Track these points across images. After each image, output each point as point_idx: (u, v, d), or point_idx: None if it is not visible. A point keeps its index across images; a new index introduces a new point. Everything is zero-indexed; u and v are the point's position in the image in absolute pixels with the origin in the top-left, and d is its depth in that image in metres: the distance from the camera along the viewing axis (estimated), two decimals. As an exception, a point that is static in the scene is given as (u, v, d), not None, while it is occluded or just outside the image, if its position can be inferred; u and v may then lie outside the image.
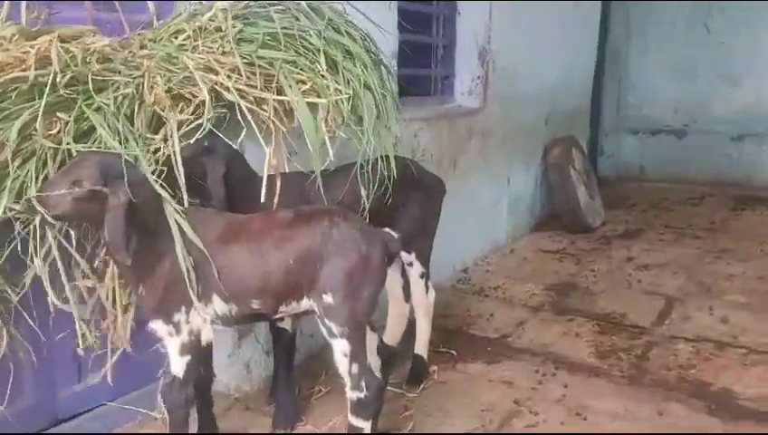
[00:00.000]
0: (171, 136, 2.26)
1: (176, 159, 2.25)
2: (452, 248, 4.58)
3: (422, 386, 3.22)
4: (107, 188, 2.01)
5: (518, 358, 3.60)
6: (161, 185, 2.20)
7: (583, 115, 7.47)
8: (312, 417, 2.95)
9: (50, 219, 2.02)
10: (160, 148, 2.29)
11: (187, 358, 2.29)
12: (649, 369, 3.48)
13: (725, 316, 4.16)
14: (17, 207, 2.05)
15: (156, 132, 2.32)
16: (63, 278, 2.22)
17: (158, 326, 2.25)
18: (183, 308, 2.23)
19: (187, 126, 2.34)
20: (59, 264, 2.21)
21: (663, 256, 5.46)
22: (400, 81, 3.84)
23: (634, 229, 6.33)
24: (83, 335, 2.30)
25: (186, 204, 2.25)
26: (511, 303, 4.43)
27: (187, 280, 2.15)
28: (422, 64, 4.86)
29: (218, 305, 2.27)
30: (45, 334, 2.39)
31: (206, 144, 2.44)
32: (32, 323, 2.28)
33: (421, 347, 3.28)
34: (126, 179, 2.03)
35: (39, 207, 1.97)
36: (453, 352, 3.61)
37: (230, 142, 2.49)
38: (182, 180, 2.26)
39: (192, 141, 2.35)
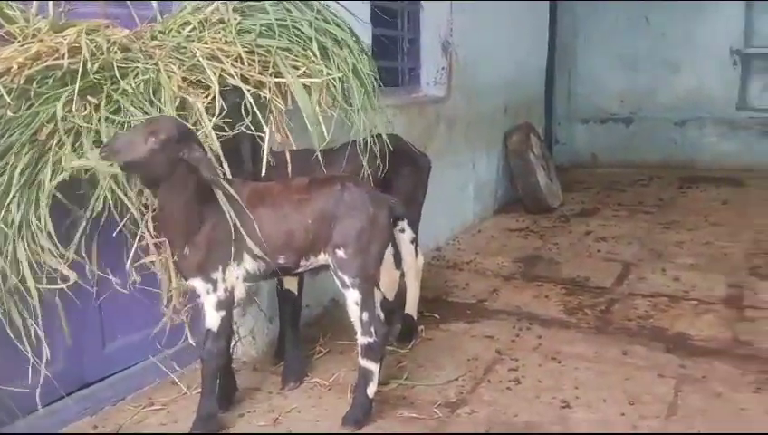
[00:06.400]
0: (201, 118, 2.54)
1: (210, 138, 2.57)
2: (425, 229, 4.88)
3: (412, 343, 3.54)
4: (180, 143, 2.29)
5: (496, 317, 3.95)
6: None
7: (538, 104, 7.93)
8: (316, 373, 3.23)
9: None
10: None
11: (222, 313, 2.58)
12: (613, 320, 3.88)
13: (677, 276, 4.59)
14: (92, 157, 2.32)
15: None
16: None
17: (197, 284, 2.54)
18: (220, 267, 2.52)
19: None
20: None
21: (618, 229, 5.90)
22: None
23: (590, 208, 6.77)
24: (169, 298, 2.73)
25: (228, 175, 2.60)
26: (484, 274, 4.79)
27: (232, 238, 2.47)
28: (390, 57, 5.19)
29: (249, 263, 2.57)
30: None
31: None
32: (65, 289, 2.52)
33: (411, 307, 3.61)
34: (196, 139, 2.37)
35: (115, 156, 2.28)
36: (436, 315, 3.94)
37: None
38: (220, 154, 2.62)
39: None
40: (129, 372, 3.05)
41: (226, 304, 2.59)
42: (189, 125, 2.46)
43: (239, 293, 2.61)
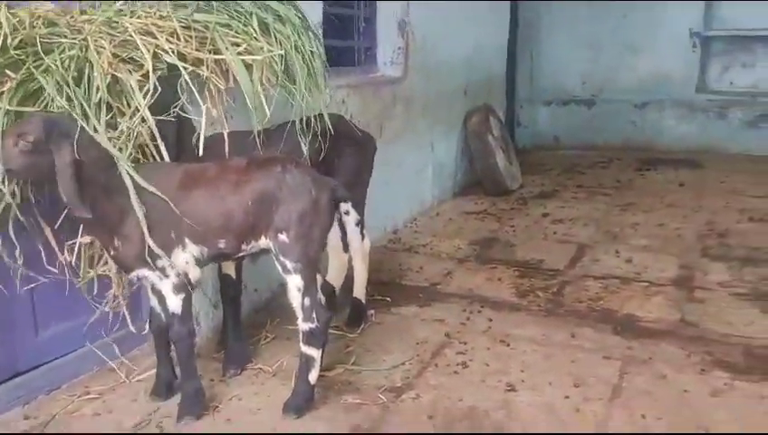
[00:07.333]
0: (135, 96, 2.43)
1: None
2: (383, 211, 4.88)
3: (361, 327, 3.49)
4: (51, 143, 2.17)
5: (447, 301, 3.92)
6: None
7: (499, 86, 7.88)
8: (261, 359, 3.17)
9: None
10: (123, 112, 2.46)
11: (182, 295, 2.53)
12: (563, 303, 3.88)
13: (630, 257, 4.61)
14: None
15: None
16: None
17: (145, 273, 2.46)
18: (164, 254, 2.42)
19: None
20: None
21: (575, 211, 5.92)
22: (327, 51, 4.06)
23: (549, 190, 6.77)
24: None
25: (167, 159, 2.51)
26: (439, 257, 4.75)
27: (145, 231, 2.36)
28: (346, 37, 5.09)
29: (192, 248, 2.49)
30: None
31: None
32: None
33: (359, 291, 3.55)
34: (72, 138, 2.19)
35: None
36: (388, 299, 3.89)
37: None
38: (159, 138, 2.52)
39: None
40: (64, 361, 2.94)
41: (183, 287, 2.53)
42: (69, 121, 2.28)
43: (194, 275, 2.56)
